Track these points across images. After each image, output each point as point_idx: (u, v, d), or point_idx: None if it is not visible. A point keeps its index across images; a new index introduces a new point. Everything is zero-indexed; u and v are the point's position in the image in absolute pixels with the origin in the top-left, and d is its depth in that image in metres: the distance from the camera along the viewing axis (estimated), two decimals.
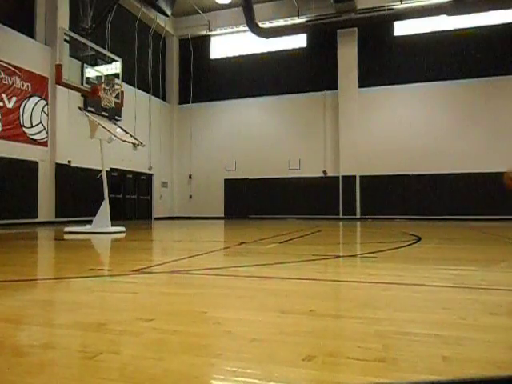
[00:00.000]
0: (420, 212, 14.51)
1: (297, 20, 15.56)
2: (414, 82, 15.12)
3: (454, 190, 14.22)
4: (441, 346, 1.36)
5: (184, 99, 18.03)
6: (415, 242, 5.59)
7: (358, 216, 15.36)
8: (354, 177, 15.51)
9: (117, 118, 13.27)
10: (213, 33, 17.37)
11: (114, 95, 8.38)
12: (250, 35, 15.09)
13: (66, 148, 12.07)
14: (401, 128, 15.16)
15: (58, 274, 3.23)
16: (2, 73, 10.39)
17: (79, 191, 12.18)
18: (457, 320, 1.69)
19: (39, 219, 11.17)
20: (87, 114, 7.89)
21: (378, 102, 15.52)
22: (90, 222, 8.05)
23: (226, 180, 17.16)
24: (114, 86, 8.37)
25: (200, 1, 16.26)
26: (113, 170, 13.77)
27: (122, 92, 8.87)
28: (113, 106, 8.39)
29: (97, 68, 8.54)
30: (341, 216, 15.59)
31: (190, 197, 17.71)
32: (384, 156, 15.16)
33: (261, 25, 14.78)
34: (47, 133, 11.71)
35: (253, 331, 1.55)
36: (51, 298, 2.28)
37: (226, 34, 17.34)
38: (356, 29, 15.58)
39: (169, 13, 16.15)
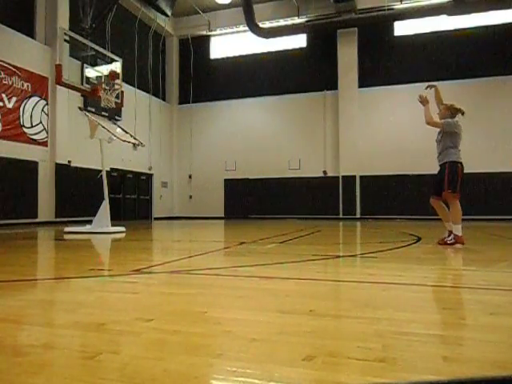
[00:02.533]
0: (420, 212, 14.49)
1: (297, 20, 15.56)
2: (414, 82, 15.08)
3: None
4: (441, 346, 1.36)
5: (184, 99, 18.03)
6: (415, 242, 5.59)
7: (358, 216, 15.35)
8: (354, 177, 15.50)
9: (117, 118, 13.29)
10: (213, 33, 17.36)
11: (114, 95, 8.38)
12: (250, 35, 15.04)
13: (66, 148, 12.07)
14: (401, 128, 15.16)
15: (58, 273, 3.23)
16: (2, 73, 10.39)
17: (79, 191, 12.17)
18: (457, 320, 1.69)
19: (39, 219, 11.17)
20: (87, 113, 7.90)
21: (377, 101, 15.51)
22: (90, 222, 8.05)
23: (225, 180, 17.16)
24: (114, 85, 8.37)
25: (200, 1, 16.25)
26: (113, 170, 13.76)
27: (122, 92, 8.86)
28: (113, 105, 8.39)
29: (97, 68, 8.54)
30: (341, 216, 15.58)
31: (190, 197, 17.71)
32: (384, 156, 15.15)
33: (261, 25, 14.75)
34: (47, 133, 11.70)
35: (253, 331, 1.55)
36: (51, 298, 2.28)
37: (226, 34, 17.34)
38: (356, 29, 15.57)
39: (169, 13, 16.15)
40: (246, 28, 14.74)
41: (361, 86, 15.62)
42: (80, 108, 8.17)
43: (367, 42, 15.64)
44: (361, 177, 15.48)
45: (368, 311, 1.85)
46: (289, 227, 9.94)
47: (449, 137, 5.51)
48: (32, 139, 11.21)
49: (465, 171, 5.54)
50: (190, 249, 5.34)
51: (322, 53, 16.27)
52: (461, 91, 14.66)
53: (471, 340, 1.43)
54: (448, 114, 5.53)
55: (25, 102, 11.01)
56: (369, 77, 15.56)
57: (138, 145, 9.04)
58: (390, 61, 15.44)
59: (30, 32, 11.50)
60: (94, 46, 8.44)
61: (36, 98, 11.37)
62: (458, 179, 5.17)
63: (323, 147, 16.11)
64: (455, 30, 14.76)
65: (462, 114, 5.60)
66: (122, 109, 11.63)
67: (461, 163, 5.37)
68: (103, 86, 8.15)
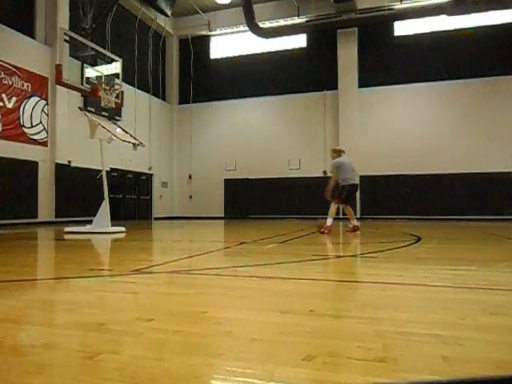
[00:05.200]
0: (420, 212, 14.50)
1: (297, 20, 15.56)
2: (413, 82, 15.11)
3: (454, 189, 14.22)
4: (441, 346, 1.36)
5: (184, 99, 18.03)
6: (415, 242, 5.59)
7: (358, 216, 15.34)
8: None
9: (117, 118, 13.22)
10: (213, 33, 17.36)
11: (113, 95, 8.37)
12: (250, 35, 15.08)
13: (66, 148, 12.07)
14: (401, 128, 15.16)
15: (58, 273, 3.23)
16: (2, 73, 10.39)
17: (79, 191, 12.17)
18: (457, 320, 1.69)
19: (39, 219, 11.17)
20: (87, 113, 7.88)
21: (378, 101, 15.51)
22: (89, 222, 8.05)
23: (225, 180, 17.16)
24: (113, 85, 8.36)
25: (200, 1, 16.26)
26: (113, 169, 13.76)
27: (122, 92, 8.86)
28: (113, 105, 8.39)
29: (97, 68, 8.53)
30: (341, 216, 15.57)
31: (190, 197, 17.71)
32: (384, 156, 15.15)
33: (261, 25, 14.78)
34: (47, 133, 11.71)
35: (253, 331, 1.55)
36: (51, 298, 2.28)
37: (226, 33, 17.34)
38: (356, 29, 15.58)
39: (169, 13, 16.15)
40: (246, 28, 14.77)
41: (361, 86, 15.62)
42: (80, 108, 8.14)
43: (367, 42, 15.65)
44: (361, 177, 15.45)
45: (368, 311, 1.85)
46: (289, 227, 9.94)
47: (336, 172, 7.65)
48: (32, 139, 11.21)
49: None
50: (190, 249, 5.34)
51: (322, 53, 16.27)
52: (461, 91, 14.68)
53: (471, 340, 1.43)
54: (335, 155, 7.81)
55: (25, 101, 11.01)
56: (369, 77, 15.56)
57: (138, 145, 9.04)
58: (390, 61, 15.45)
59: (30, 32, 11.50)
60: (94, 46, 8.44)
61: (36, 98, 11.37)
62: (343, 195, 7.58)
63: (323, 147, 16.11)
64: (455, 30, 14.77)
65: (343, 152, 7.86)
66: (122, 109, 11.58)
67: (348, 185, 7.62)
68: (103, 86, 8.15)
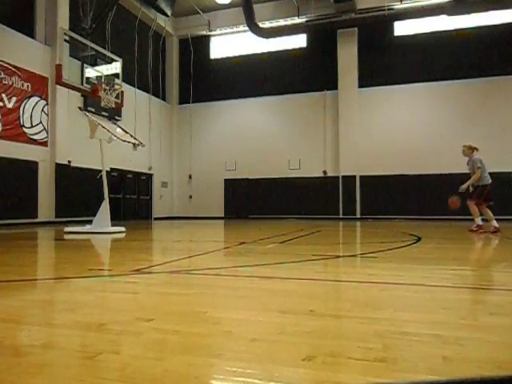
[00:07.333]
0: (420, 212, 14.50)
1: (297, 20, 15.56)
2: (413, 82, 15.11)
3: (454, 190, 14.19)
4: (441, 346, 1.36)
5: (184, 99, 18.03)
6: (415, 242, 5.59)
7: (358, 216, 15.35)
8: (354, 177, 15.50)
9: (117, 118, 13.29)
10: (213, 33, 17.37)
11: (113, 95, 8.38)
12: (250, 35, 15.08)
13: (66, 148, 12.07)
14: (401, 128, 15.16)
15: (58, 273, 3.23)
16: (2, 73, 10.39)
17: (79, 191, 12.17)
18: (457, 320, 1.69)
19: (39, 219, 11.17)
20: (87, 113, 7.89)
21: (378, 101, 15.51)
22: (89, 222, 8.05)
23: (226, 180, 17.16)
24: (113, 85, 8.36)
25: (200, 1, 16.25)
26: (113, 169, 13.76)
27: (122, 92, 8.86)
28: (113, 105, 8.39)
29: (97, 68, 8.54)
30: (341, 216, 15.58)
31: (190, 197, 17.71)
32: (384, 156, 15.15)
33: (261, 25, 14.77)
34: (47, 133, 11.70)
35: (253, 331, 1.55)
36: (51, 298, 2.28)
37: (226, 33, 17.34)
38: (356, 29, 15.58)
39: (169, 13, 16.15)
40: (246, 28, 14.77)
41: (361, 86, 15.62)
42: (80, 108, 8.15)
43: (367, 42, 15.64)
44: (361, 177, 15.48)
45: (368, 311, 1.85)
46: (289, 227, 9.94)
47: (481, 169, 7.75)
48: (32, 139, 11.21)
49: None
50: (190, 249, 5.34)
51: (322, 53, 16.27)
52: (461, 91, 14.68)
53: (471, 340, 1.43)
54: (471, 152, 7.95)
55: (25, 101, 11.01)
56: (369, 77, 15.56)
57: (138, 145, 9.04)
58: (390, 61, 15.44)
59: (29, 32, 11.50)
60: (94, 46, 8.44)
61: (36, 98, 11.37)
62: (484, 195, 7.91)
63: (323, 147, 16.11)
64: (455, 30, 14.77)
65: (477, 149, 7.94)
66: (122, 109, 11.63)
67: (488, 184, 8.04)
68: (103, 86, 8.15)
